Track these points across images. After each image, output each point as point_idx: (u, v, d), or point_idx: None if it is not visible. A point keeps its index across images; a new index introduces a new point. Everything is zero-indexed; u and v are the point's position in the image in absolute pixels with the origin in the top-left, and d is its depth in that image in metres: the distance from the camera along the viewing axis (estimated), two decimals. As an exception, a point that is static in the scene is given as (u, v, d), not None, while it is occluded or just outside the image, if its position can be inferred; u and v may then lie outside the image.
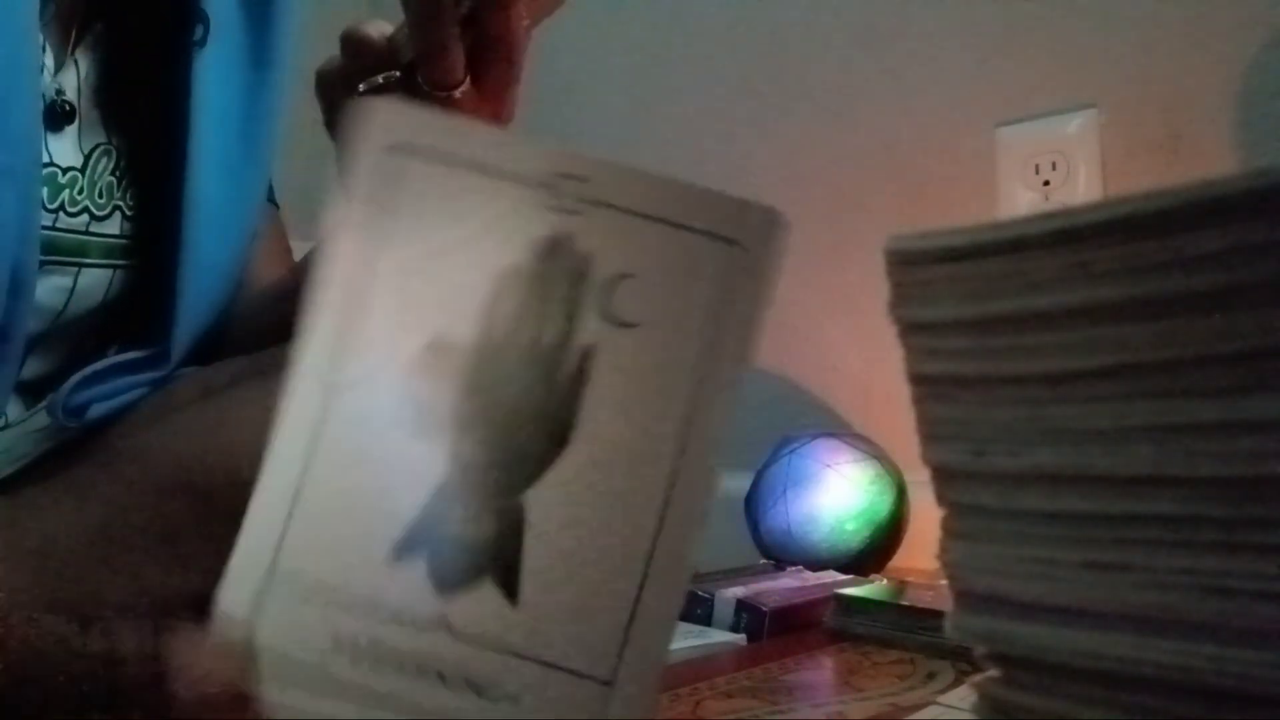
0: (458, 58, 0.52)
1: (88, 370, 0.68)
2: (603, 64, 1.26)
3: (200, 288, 0.70)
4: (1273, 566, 0.22)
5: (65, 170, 0.66)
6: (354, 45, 0.53)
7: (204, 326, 0.73)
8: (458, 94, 0.53)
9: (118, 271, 0.71)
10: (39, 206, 0.62)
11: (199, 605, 0.51)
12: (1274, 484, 0.22)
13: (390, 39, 0.52)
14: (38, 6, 0.59)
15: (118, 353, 0.71)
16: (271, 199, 0.84)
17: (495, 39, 0.53)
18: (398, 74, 0.52)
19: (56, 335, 0.68)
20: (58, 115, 0.65)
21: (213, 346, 0.75)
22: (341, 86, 0.53)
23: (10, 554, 0.55)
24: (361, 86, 0.52)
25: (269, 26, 0.73)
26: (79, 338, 0.70)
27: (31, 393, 0.69)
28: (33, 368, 0.66)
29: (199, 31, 0.70)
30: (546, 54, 1.43)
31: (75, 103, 0.67)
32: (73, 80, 0.67)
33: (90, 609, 0.56)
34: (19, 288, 0.60)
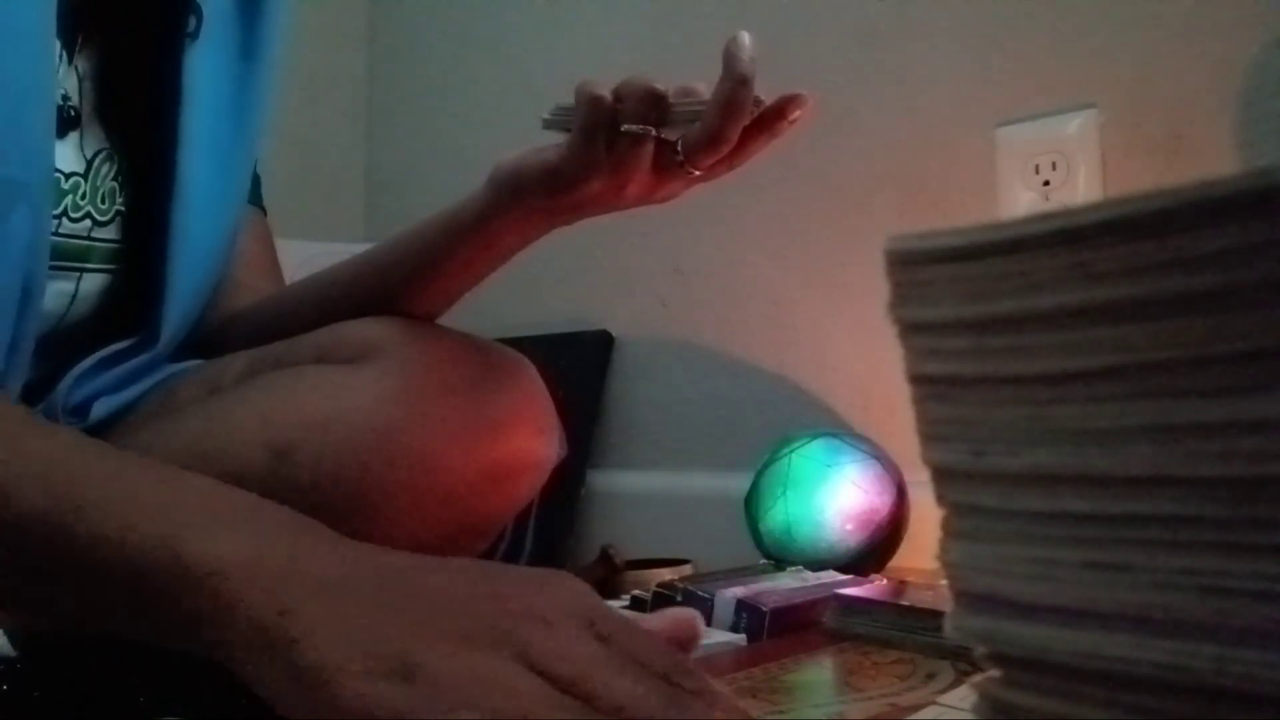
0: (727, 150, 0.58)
1: (81, 367, 0.68)
2: (603, 64, 1.26)
3: (189, 271, 0.71)
4: (1273, 566, 0.22)
5: (68, 176, 0.66)
6: (648, 98, 0.57)
7: (193, 310, 0.73)
8: (697, 174, 0.59)
9: (117, 274, 0.71)
10: (50, 219, 0.62)
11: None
12: (1274, 484, 0.22)
13: (673, 105, 0.58)
14: (55, 19, 0.59)
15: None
16: (259, 203, 0.83)
17: (744, 146, 0.58)
18: (656, 133, 0.58)
19: (54, 339, 0.68)
20: (63, 121, 0.65)
21: (199, 330, 0.75)
22: (608, 118, 0.58)
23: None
24: (624, 128, 0.58)
25: (259, 18, 0.74)
26: (76, 341, 0.70)
27: (27, 397, 0.69)
28: (30, 372, 0.67)
29: (192, 23, 0.70)
30: (548, 53, 1.43)
31: (79, 107, 0.67)
32: (74, 83, 0.67)
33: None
34: (28, 299, 0.61)
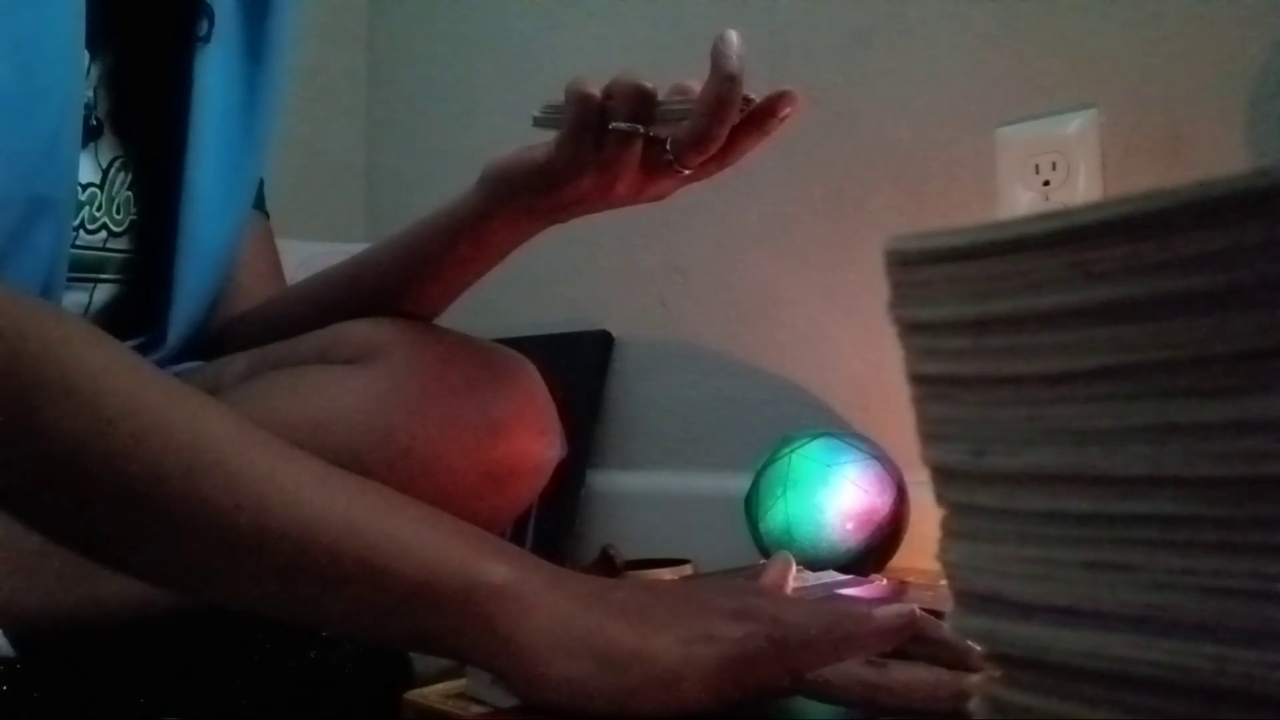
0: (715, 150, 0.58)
1: None
2: (602, 64, 1.26)
3: (196, 275, 0.71)
4: (1273, 566, 0.22)
5: (85, 187, 0.66)
6: (637, 97, 0.57)
7: (199, 313, 0.73)
8: (686, 172, 0.59)
9: (127, 284, 0.71)
10: (70, 232, 0.62)
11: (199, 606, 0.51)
12: (1274, 484, 0.22)
13: (662, 104, 0.58)
14: (84, 32, 0.59)
15: None
16: (263, 206, 0.83)
17: (735, 144, 0.58)
18: (644, 132, 0.58)
19: None
20: (86, 131, 0.65)
21: (202, 333, 0.75)
22: (597, 116, 0.58)
23: (11, 554, 0.55)
24: (613, 126, 0.57)
25: (268, 19, 0.74)
26: None
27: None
28: None
29: (204, 26, 0.70)
30: (548, 53, 1.43)
31: (99, 116, 0.67)
32: (90, 92, 0.67)
33: (89, 610, 0.56)
34: None
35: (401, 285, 0.69)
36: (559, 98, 0.59)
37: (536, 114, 0.62)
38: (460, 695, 0.50)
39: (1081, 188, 0.90)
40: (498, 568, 0.43)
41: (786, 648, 0.41)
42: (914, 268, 0.27)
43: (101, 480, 0.40)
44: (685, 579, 0.48)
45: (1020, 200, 0.92)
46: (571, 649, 0.41)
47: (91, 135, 0.67)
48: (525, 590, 0.42)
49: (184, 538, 0.41)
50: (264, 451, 0.44)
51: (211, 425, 0.43)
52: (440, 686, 0.52)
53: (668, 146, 0.58)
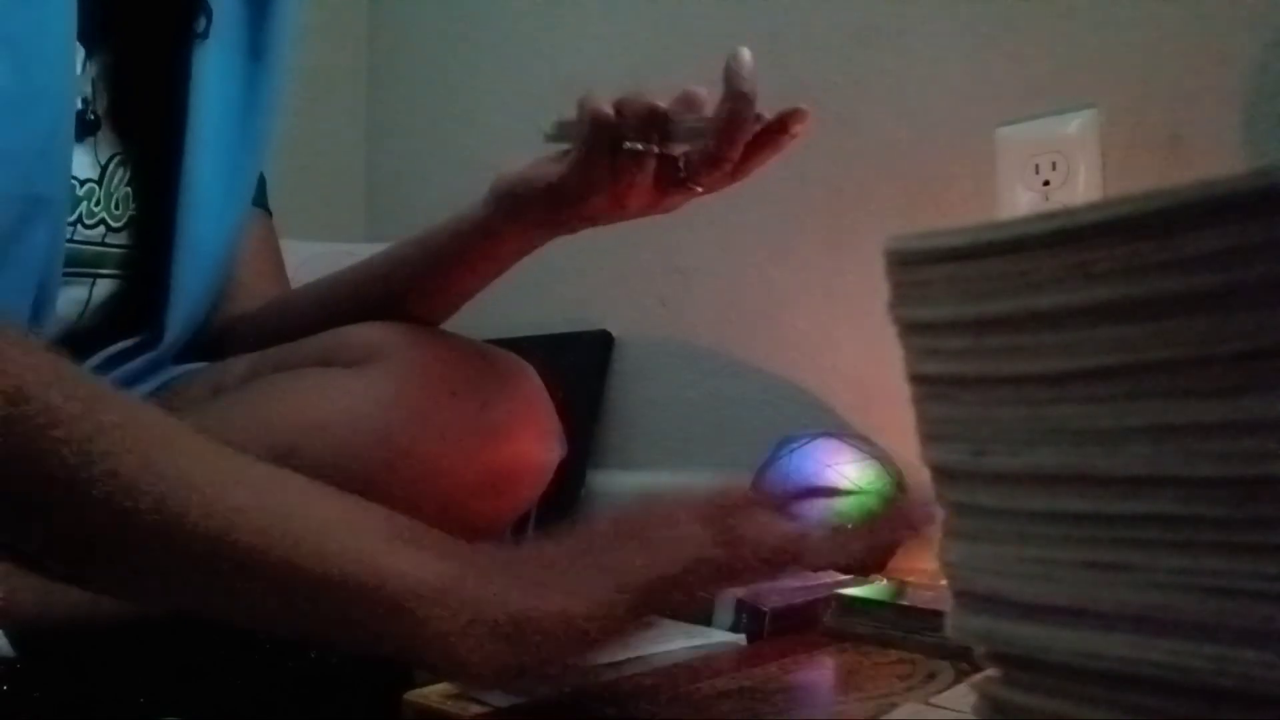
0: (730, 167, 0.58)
1: (86, 367, 0.68)
2: (603, 65, 1.26)
3: (195, 273, 0.71)
4: (1273, 566, 0.22)
5: (83, 183, 0.66)
6: (650, 117, 0.57)
7: (197, 312, 0.73)
8: (699, 190, 0.60)
9: (127, 280, 0.71)
10: (65, 228, 0.62)
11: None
12: (1274, 484, 0.22)
13: (675, 123, 0.58)
14: (76, 29, 0.59)
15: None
16: (264, 204, 0.83)
17: (746, 160, 0.58)
18: (658, 150, 0.58)
19: (65, 346, 0.68)
20: (83, 126, 0.65)
21: (202, 332, 0.75)
22: (609, 133, 0.58)
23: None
24: (626, 145, 0.57)
25: (268, 17, 0.74)
26: (86, 346, 0.70)
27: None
28: None
29: (202, 23, 0.70)
30: (546, 54, 1.43)
31: (98, 112, 0.67)
32: (88, 88, 0.67)
33: (89, 610, 0.56)
34: (41, 308, 0.61)
35: (408, 291, 0.69)
36: (565, 103, 0.59)
37: (547, 130, 0.62)
38: (460, 695, 0.50)
39: (1081, 188, 0.90)
40: (403, 562, 0.42)
41: (682, 578, 0.42)
42: (914, 268, 0.28)
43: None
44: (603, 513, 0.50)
45: (1020, 200, 0.92)
46: (480, 631, 0.40)
47: (90, 131, 0.67)
48: (428, 581, 0.41)
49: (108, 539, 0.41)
50: (183, 450, 0.42)
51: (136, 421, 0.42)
52: (440, 686, 0.52)
53: (680, 164, 0.58)
